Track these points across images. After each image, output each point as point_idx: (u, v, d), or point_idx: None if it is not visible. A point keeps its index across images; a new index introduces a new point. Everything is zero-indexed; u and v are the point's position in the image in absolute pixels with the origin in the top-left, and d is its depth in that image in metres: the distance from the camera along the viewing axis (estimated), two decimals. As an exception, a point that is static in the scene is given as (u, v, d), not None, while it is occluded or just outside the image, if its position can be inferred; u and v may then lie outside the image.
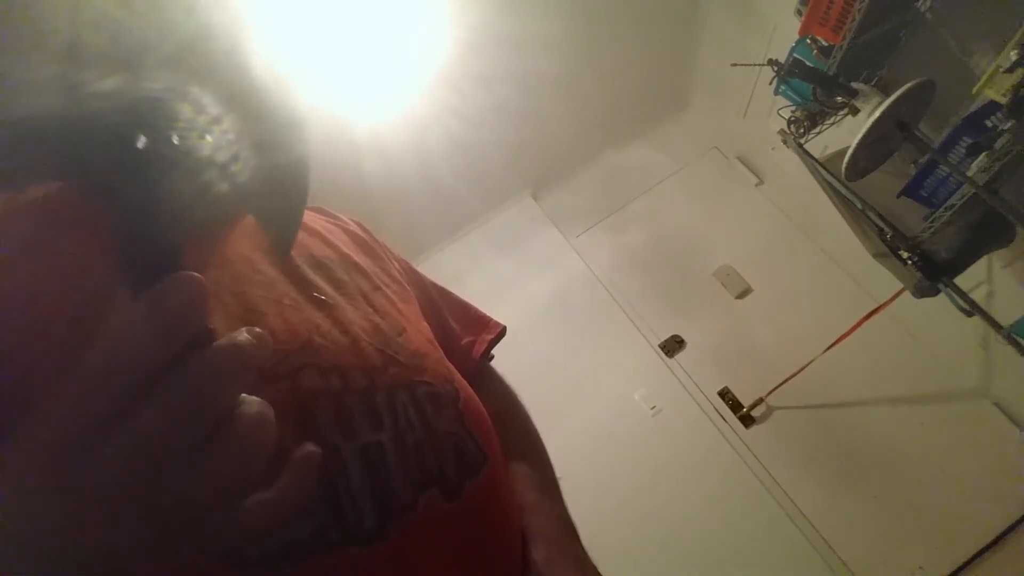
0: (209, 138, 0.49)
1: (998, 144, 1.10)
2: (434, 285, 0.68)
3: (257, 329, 0.23)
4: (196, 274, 0.22)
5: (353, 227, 0.61)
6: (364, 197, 2.16)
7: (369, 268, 0.55)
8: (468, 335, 0.67)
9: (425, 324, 0.56)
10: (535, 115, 2.36)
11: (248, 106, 0.53)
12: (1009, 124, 1.09)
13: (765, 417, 2.18)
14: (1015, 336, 1.29)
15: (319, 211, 0.61)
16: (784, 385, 2.11)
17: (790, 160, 1.85)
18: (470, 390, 0.52)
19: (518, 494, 0.54)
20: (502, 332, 0.69)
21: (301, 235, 0.52)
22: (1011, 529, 1.81)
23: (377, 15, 1.74)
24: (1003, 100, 1.09)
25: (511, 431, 0.60)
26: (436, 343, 0.54)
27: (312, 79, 1.74)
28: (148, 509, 0.20)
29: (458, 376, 0.52)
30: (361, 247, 0.58)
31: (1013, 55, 1.05)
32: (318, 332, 0.43)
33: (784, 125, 1.73)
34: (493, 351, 0.70)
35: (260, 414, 0.23)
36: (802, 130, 1.69)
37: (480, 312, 0.70)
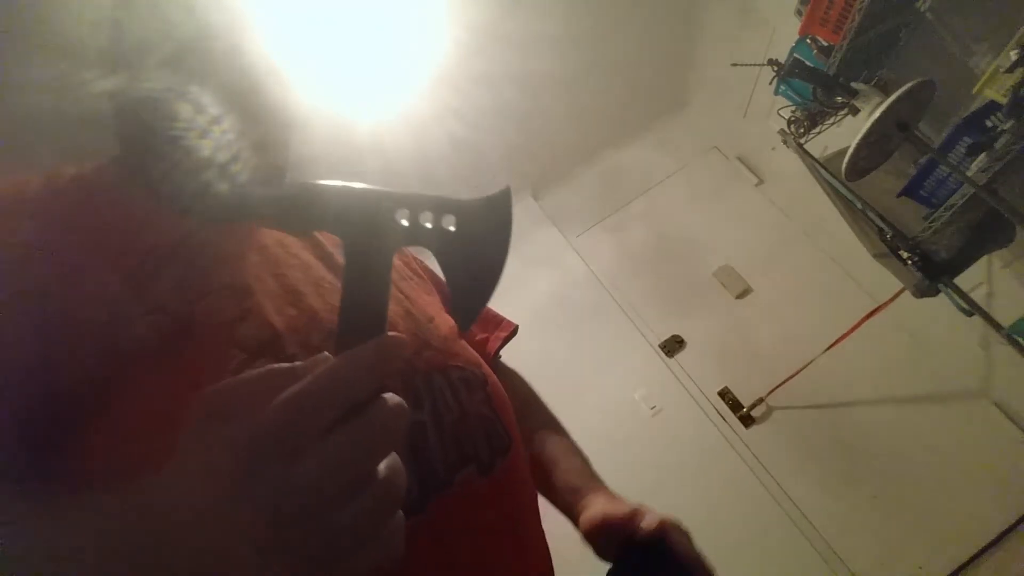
0: (210, 138, 0.51)
1: (998, 144, 1.10)
2: None
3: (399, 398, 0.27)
4: (403, 337, 0.27)
5: None
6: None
7: (395, 261, 0.57)
8: (482, 332, 0.69)
9: (447, 316, 0.58)
10: (535, 115, 2.35)
11: (248, 106, 0.54)
12: (1009, 124, 1.09)
13: (765, 417, 2.18)
14: (1015, 336, 1.29)
15: None
16: (784, 385, 2.11)
17: (790, 160, 1.85)
18: (495, 376, 0.55)
19: (550, 455, 0.60)
20: (515, 331, 0.72)
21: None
22: (1011, 529, 1.80)
23: (377, 15, 1.74)
24: (1003, 100, 1.09)
25: (537, 411, 0.67)
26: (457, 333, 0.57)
27: (313, 80, 1.74)
28: (308, 533, 0.23)
29: (484, 363, 0.55)
30: None
31: (1013, 55, 1.05)
32: None
33: (784, 125, 1.73)
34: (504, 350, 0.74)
35: (399, 469, 0.26)
36: (802, 130, 1.69)
37: (493, 311, 0.73)
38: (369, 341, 0.26)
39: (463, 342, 0.55)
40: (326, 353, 0.26)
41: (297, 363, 0.26)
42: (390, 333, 0.27)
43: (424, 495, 0.40)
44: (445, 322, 0.54)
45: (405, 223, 0.28)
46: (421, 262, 0.67)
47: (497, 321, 0.72)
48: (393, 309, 0.49)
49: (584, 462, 0.62)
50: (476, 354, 0.55)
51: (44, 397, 0.35)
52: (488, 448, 0.46)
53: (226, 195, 0.28)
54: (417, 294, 0.56)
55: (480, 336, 0.69)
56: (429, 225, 0.29)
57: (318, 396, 0.24)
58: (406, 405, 0.26)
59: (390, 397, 0.26)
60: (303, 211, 0.28)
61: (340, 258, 0.52)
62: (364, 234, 0.28)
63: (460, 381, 0.48)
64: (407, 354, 0.28)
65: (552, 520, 0.55)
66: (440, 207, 0.29)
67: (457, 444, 0.44)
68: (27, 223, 0.39)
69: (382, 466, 0.25)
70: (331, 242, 0.54)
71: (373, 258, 0.28)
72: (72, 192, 0.43)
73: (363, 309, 0.28)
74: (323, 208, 0.27)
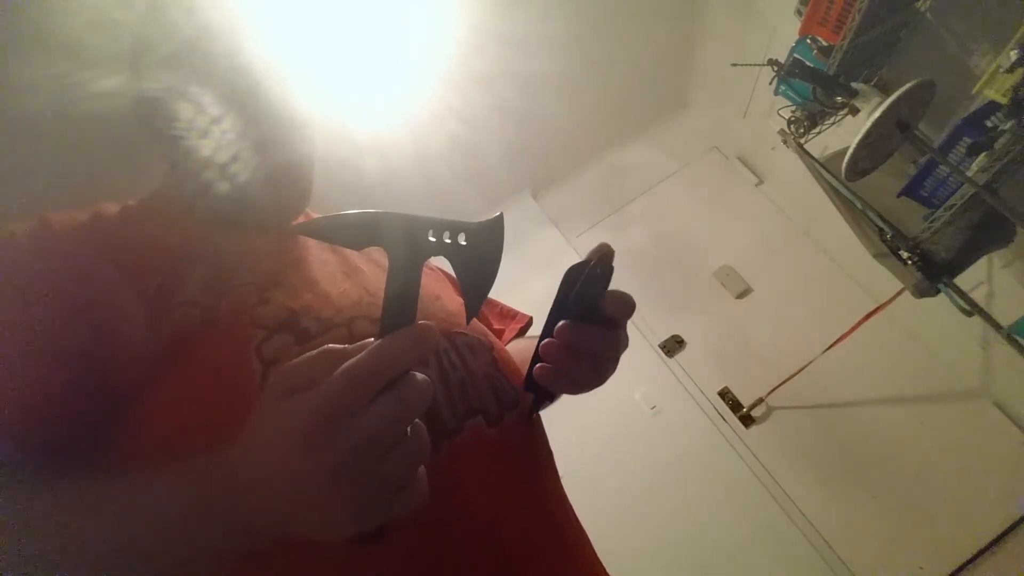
0: (211, 138, 0.52)
1: (998, 144, 1.10)
2: None
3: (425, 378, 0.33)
4: (432, 324, 0.34)
5: None
6: (365, 198, 2.16)
7: None
8: (499, 324, 0.75)
9: (456, 296, 0.63)
10: (535, 115, 2.35)
11: (248, 106, 0.54)
12: (1009, 124, 1.09)
13: (765, 417, 2.18)
14: (1015, 336, 1.28)
15: None
16: (784, 385, 2.11)
17: (790, 160, 1.85)
18: (501, 344, 0.59)
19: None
20: (529, 322, 0.77)
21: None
22: (1011, 529, 1.81)
23: (378, 16, 1.74)
24: (1003, 100, 1.09)
25: None
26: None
27: (313, 80, 1.74)
28: (363, 477, 0.30)
29: (490, 333, 0.59)
30: None
31: (1013, 55, 1.05)
32: (367, 293, 0.52)
33: (784, 125, 1.73)
34: None
35: (423, 428, 0.34)
36: (802, 130, 1.69)
37: (508, 307, 0.79)
38: (404, 328, 0.33)
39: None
40: (371, 339, 0.33)
41: (347, 345, 0.32)
42: (421, 322, 0.34)
43: (434, 440, 0.43)
44: (452, 300, 0.59)
45: (433, 239, 0.38)
46: (435, 266, 0.73)
47: (512, 314, 0.77)
48: None
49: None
50: (483, 326, 0.59)
51: (97, 378, 0.42)
52: (496, 402, 0.49)
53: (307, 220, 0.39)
54: (428, 279, 0.61)
55: (497, 327, 0.74)
56: (448, 240, 0.38)
57: (367, 370, 0.30)
58: (430, 381, 0.33)
59: (418, 374, 0.33)
60: (363, 233, 0.38)
61: (353, 258, 0.58)
62: (405, 248, 0.37)
63: (464, 345, 0.51)
64: (436, 339, 0.34)
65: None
66: (456, 228, 0.39)
67: (464, 398, 0.47)
68: (83, 238, 0.48)
69: (409, 428, 0.32)
70: None
71: (409, 266, 0.37)
72: (121, 214, 0.52)
73: (401, 304, 0.36)
74: (378, 230, 0.37)
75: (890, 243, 1.41)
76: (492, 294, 0.81)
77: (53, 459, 0.39)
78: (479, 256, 0.40)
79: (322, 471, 0.29)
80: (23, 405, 0.40)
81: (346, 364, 0.30)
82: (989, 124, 1.16)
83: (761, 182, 2.66)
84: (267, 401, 0.32)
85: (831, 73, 1.46)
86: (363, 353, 0.31)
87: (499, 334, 0.73)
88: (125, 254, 0.48)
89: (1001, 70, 1.08)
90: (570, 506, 0.54)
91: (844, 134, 1.55)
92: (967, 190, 1.16)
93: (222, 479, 0.32)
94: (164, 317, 0.44)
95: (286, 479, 0.30)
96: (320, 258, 0.55)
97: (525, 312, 0.79)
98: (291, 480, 0.30)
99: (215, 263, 0.49)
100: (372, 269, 0.58)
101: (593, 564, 0.51)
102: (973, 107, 1.19)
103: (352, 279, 0.53)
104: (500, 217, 0.41)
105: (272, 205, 0.58)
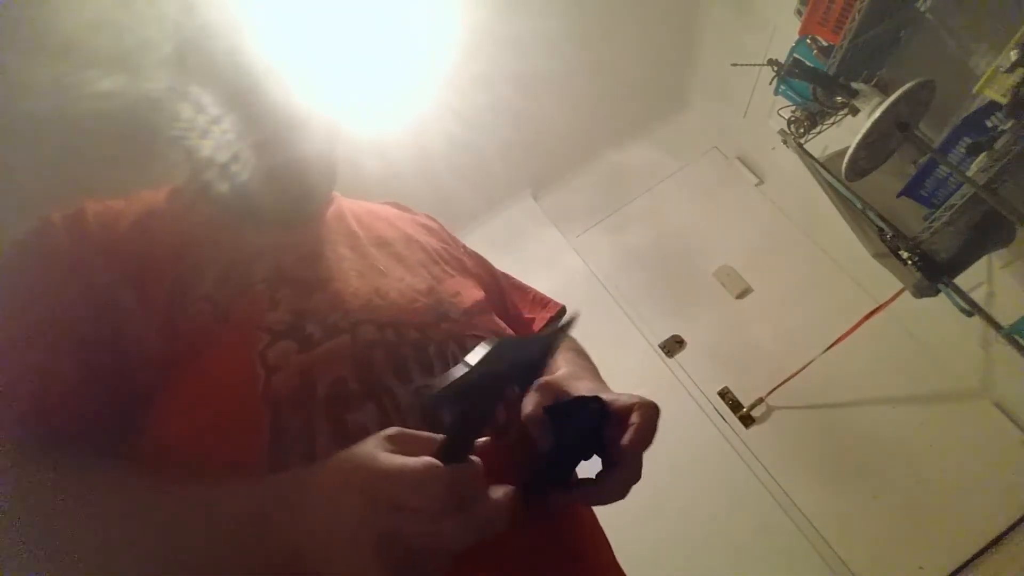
0: (213, 138, 0.52)
1: (998, 144, 1.10)
2: (503, 274, 0.80)
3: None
4: (479, 463, 0.35)
5: (422, 218, 0.74)
6: (364, 198, 2.15)
7: (431, 247, 0.65)
8: (529, 313, 0.75)
9: (481, 292, 0.63)
10: (535, 115, 2.35)
11: (248, 106, 0.54)
12: (1009, 124, 1.08)
13: (765, 417, 2.18)
14: (1015, 336, 1.28)
15: (395, 205, 0.74)
16: (784, 385, 2.11)
17: (790, 160, 1.85)
18: None
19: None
20: (562, 310, 0.77)
21: (370, 220, 0.65)
22: (1011, 529, 1.80)
23: (377, 15, 1.74)
24: (1003, 100, 1.08)
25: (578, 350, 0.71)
26: (490, 309, 0.62)
27: (313, 79, 1.74)
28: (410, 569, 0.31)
29: (509, 331, 0.59)
30: (429, 232, 0.69)
31: (1013, 55, 1.05)
32: (378, 295, 0.52)
33: (784, 125, 1.73)
34: None
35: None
36: (802, 130, 1.69)
37: (541, 294, 0.80)
38: (458, 465, 0.34)
39: (488, 315, 0.59)
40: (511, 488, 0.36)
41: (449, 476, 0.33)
42: (472, 458, 0.35)
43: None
44: (471, 297, 0.59)
45: (517, 390, 0.39)
46: (477, 255, 0.73)
47: (544, 302, 0.78)
48: (417, 287, 0.55)
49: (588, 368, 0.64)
50: (500, 325, 0.59)
51: (115, 372, 0.43)
52: (507, 411, 0.48)
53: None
54: (446, 276, 0.61)
55: (528, 316, 0.74)
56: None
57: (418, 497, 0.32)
58: (507, 504, 0.34)
59: (500, 492, 0.35)
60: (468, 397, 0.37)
61: (372, 256, 0.57)
62: (481, 409, 0.37)
63: None
64: (481, 473, 0.35)
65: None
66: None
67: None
68: (110, 234, 0.48)
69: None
70: (366, 233, 0.59)
71: (478, 422, 0.37)
72: (145, 211, 0.52)
73: (458, 447, 0.35)
74: (476, 396, 0.37)
75: (890, 243, 1.41)
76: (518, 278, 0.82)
77: (72, 451, 0.39)
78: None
79: (370, 548, 0.30)
80: (40, 397, 0.40)
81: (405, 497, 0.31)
82: (989, 124, 1.16)
83: (761, 182, 2.66)
84: (345, 477, 0.33)
85: (831, 73, 1.46)
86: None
87: (530, 323, 0.73)
88: (145, 248, 0.48)
89: (1001, 70, 1.07)
90: (595, 525, 0.53)
91: (844, 134, 1.55)
92: (967, 190, 1.16)
93: (279, 504, 0.33)
94: (180, 313, 0.45)
95: (336, 539, 0.31)
96: (337, 253, 0.55)
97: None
98: (342, 543, 0.31)
99: (230, 258, 0.50)
100: (390, 266, 0.57)
101: None
102: (973, 107, 1.19)
103: (365, 278, 0.53)
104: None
105: (279, 202, 0.57)
